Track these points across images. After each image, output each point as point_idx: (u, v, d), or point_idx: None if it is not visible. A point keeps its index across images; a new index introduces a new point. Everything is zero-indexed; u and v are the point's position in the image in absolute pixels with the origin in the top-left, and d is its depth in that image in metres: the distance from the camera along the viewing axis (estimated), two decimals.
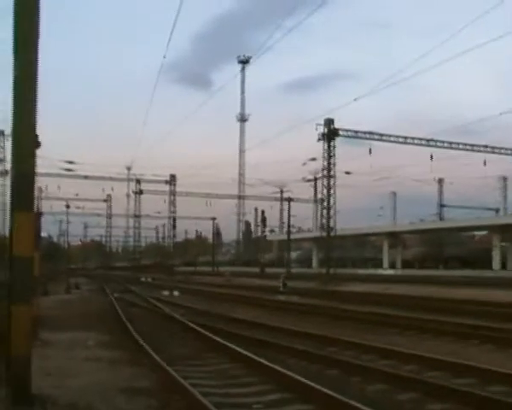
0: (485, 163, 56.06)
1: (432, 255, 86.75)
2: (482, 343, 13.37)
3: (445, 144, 54.67)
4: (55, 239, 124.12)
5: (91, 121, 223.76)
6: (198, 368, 10.55)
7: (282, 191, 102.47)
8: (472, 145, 55.77)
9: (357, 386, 8.94)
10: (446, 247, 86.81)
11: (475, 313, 19.42)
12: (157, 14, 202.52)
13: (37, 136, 7.34)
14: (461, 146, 55.47)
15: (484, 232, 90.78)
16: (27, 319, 6.41)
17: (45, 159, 57.06)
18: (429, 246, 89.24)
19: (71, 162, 78.94)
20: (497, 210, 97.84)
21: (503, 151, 57.02)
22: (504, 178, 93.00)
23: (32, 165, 6.82)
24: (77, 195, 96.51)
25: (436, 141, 54.08)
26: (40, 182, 74.96)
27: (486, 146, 55.90)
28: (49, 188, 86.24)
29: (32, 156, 6.83)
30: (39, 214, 30.76)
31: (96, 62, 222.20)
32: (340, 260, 73.01)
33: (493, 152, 56.44)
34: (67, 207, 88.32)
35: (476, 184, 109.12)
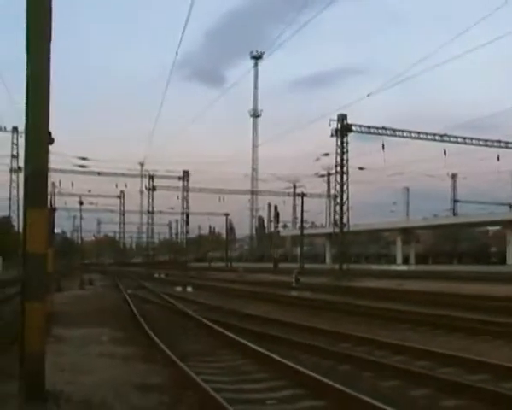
0: (498, 158, 55.78)
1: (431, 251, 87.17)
2: (494, 339, 13.32)
3: (459, 140, 54.41)
4: (68, 235, 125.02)
5: (104, 118, 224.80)
6: (211, 364, 10.58)
7: (294, 186, 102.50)
8: (485, 140, 55.51)
9: (369, 382, 8.93)
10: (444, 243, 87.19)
11: (487, 309, 19.33)
12: (170, 10, 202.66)
13: (50, 132, 7.38)
14: (474, 141, 55.18)
15: (498, 227, 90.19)
16: (41, 315, 6.45)
17: (59, 155, 57.50)
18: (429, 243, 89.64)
19: (84, 158, 79.32)
20: (510, 205, 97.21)
21: None
22: None
23: (45, 161, 6.85)
24: (90, 191, 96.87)
25: (449, 136, 53.85)
26: (54, 178, 75.36)
27: (500, 141, 55.63)
28: (63, 184, 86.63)
29: (45, 153, 6.86)
30: (53, 210, 30.88)
31: (108, 58, 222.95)
32: (354, 255, 72.96)
33: (507, 147, 56.11)
34: (81, 203, 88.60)
35: (490, 179, 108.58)
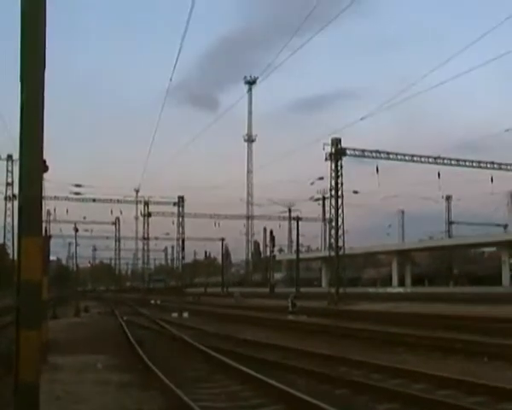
0: (492, 180, 56.00)
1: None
2: (492, 360, 13.29)
3: (453, 162, 54.62)
4: (63, 262, 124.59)
5: (99, 144, 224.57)
6: (208, 390, 10.52)
7: (290, 211, 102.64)
8: (479, 162, 55.71)
9: (366, 406, 8.89)
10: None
11: (484, 330, 19.29)
12: (164, 36, 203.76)
13: (44, 160, 7.38)
14: (468, 163, 55.40)
15: (493, 249, 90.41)
16: (36, 344, 6.41)
17: (53, 183, 57.51)
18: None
19: (79, 185, 79.42)
20: (505, 226, 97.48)
21: (509, 168, 56.91)
22: None
23: (40, 189, 6.85)
24: (85, 218, 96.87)
25: (443, 158, 54.05)
26: (49, 205, 75.45)
27: (493, 163, 55.82)
28: (58, 211, 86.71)
29: (40, 180, 6.86)
30: (48, 238, 30.81)
31: (103, 85, 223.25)
32: (350, 279, 72.87)
33: (500, 168, 56.35)
34: (76, 230, 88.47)
35: (483, 200, 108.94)
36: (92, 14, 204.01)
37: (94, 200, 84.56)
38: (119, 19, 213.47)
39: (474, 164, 55.58)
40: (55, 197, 77.57)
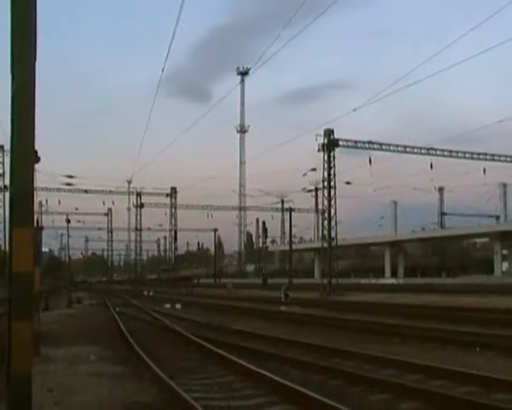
0: (484, 171, 56.20)
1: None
2: (484, 351, 13.34)
3: (445, 153, 54.68)
4: (56, 253, 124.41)
5: (91, 135, 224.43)
6: (200, 381, 10.51)
7: (282, 202, 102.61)
8: (471, 153, 55.83)
9: (359, 396, 8.91)
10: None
11: (476, 321, 19.38)
12: (156, 26, 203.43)
13: (36, 151, 7.34)
14: (460, 154, 55.49)
15: (485, 239, 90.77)
16: (28, 336, 6.38)
17: (45, 174, 57.30)
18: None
19: (71, 177, 79.09)
20: (497, 217, 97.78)
21: (502, 159, 57.09)
22: (504, 185, 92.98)
23: (31, 180, 6.82)
24: (77, 209, 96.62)
25: (436, 150, 54.09)
26: (40, 197, 75.22)
27: (486, 154, 56.01)
28: (50, 202, 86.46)
29: (31, 172, 6.84)
30: (40, 229, 30.75)
31: (95, 76, 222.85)
32: (343, 270, 72.99)
33: (493, 160, 56.52)
34: (68, 221, 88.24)
35: (476, 191, 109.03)
36: (85, 5, 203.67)
37: (86, 191, 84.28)
38: (112, 10, 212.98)
39: (467, 155, 55.70)
40: (46, 188, 77.23)
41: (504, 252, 78.63)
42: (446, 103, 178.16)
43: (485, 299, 32.00)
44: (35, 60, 6.64)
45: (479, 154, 55.84)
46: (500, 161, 57.15)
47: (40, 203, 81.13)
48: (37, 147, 7.12)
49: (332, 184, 51.00)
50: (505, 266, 79.10)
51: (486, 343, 13.93)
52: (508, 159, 57.25)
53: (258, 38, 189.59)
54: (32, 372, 6.13)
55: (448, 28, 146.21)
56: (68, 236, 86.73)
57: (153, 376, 10.56)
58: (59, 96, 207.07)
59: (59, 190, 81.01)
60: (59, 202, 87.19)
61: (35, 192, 7.05)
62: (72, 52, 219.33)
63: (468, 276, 68.32)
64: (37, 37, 6.63)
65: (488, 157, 56.06)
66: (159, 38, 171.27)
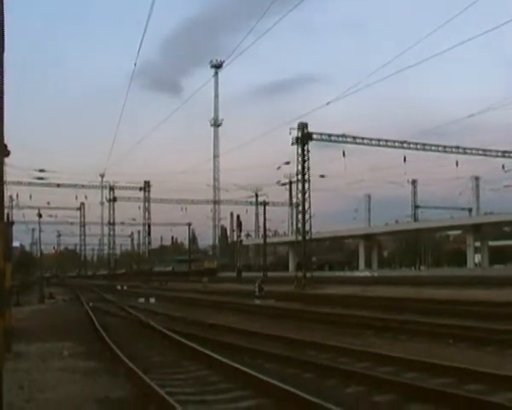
0: (457, 164, 56.74)
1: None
2: (457, 342, 13.44)
3: (418, 146, 55.06)
4: (27, 248, 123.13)
5: (63, 129, 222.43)
6: (175, 376, 10.45)
7: (257, 195, 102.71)
8: (444, 147, 56.31)
9: (334, 389, 8.92)
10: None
11: (449, 313, 19.54)
12: (127, 18, 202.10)
13: (5, 145, 7.21)
14: (433, 148, 55.94)
15: (458, 232, 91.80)
16: None
17: (16, 168, 56.65)
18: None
19: (42, 170, 78.32)
20: (470, 210, 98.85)
21: (474, 152, 57.65)
22: (476, 179, 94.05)
23: (1, 174, 6.70)
24: (49, 203, 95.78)
25: (409, 143, 54.44)
26: (11, 191, 74.37)
27: (458, 147, 56.52)
28: (21, 197, 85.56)
29: (1, 165, 6.72)
30: (10, 224, 30.36)
31: (66, 68, 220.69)
32: (317, 263, 73.34)
33: (465, 153, 57.06)
34: (39, 215, 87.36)
35: (449, 184, 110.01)
36: None
37: (58, 185, 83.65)
38: (82, 3, 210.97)
39: (440, 148, 56.18)
40: (17, 183, 76.44)
41: (477, 244, 79.55)
42: (419, 97, 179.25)
43: (457, 291, 32.31)
44: (3, 51, 6.52)
45: (451, 147, 56.35)
46: (472, 154, 57.73)
47: (10, 197, 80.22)
48: (6, 140, 7.00)
49: (306, 177, 51.09)
50: (477, 258, 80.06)
51: (459, 335, 14.05)
52: (480, 152, 57.86)
53: (231, 30, 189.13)
54: (2, 369, 6.03)
55: (422, 21, 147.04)
56: (40, 230, 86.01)
57: (127, 371, 10.47)
58: (30, 90, 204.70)
59: (30, 184, 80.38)
60: (30, 197, 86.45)
61: (5, 186, 6.92)
62: (43, 44, 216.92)
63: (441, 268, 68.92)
64: (6, 27, 6.51)
65: (461, 151, 56.59)
66: (130, 31, 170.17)
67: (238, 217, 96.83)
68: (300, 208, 52.47)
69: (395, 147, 54.68)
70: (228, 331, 16.92)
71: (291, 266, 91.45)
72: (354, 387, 8.91)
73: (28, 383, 9.70)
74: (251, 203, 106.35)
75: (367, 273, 77.42)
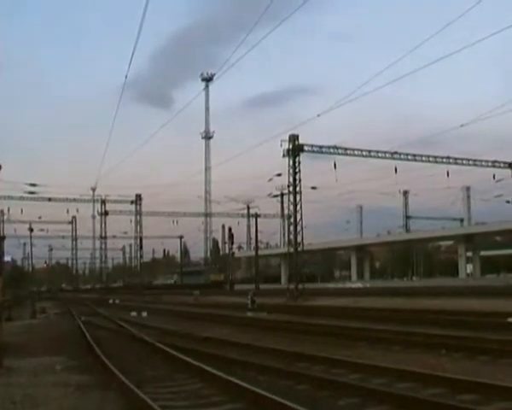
0: (448, 174, 56.92)
1: None
2: (450, 353, 13.46)
3: (409, 157, 55.25)
4: (19, 262, 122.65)
5: (54, 143, 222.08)
6: (168, 389, 10.42)
7: (248, 207, 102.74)
8: (435, 157, 56.50)
9: (327, 401, 8.91)
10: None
11: (442, 323, 19.58)
12: (118, 31, 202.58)
13: None
14: (424, 158, 56.14)
15: (450, 242, 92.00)
16: None
17: (7, 182, 56.52)
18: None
19: (34, 185, 78.11)
20: (461, 220, 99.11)
21: (465, 162, 57.87)
22: (467, 189, 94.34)
23: None
24: (40, 217, 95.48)
25: (400, 154, 54.60)
26: (2, 205, 74.20)
27: (449, 157, 56.69)
28: (12, 211, 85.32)
29: None
30: (1, 238, 30.26)
31: (57, 82, 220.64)
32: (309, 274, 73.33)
33: (456, 163, 57.25)
34: (31, 230, 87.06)
35: (440, 195, 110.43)
36: (46, 11, 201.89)
37: (49, 199, 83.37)
38: (74, 15, 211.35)
39: (431, 159, 56.38)
40: (8, 197, 76.22)
41: (469, 254, 79.72)
42: (410, 108, 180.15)
43: (450, 301, 32.37)
44: None
45: (442, 157, 56.52)
46: (463, 164, 57.94)
47: (2, 212, 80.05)
48: None
49: (297, 189, 51.16)
50: (469, 268, 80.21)
51: (452, 345, 14.07)
52: (470, 162, 58.08)
53: (221, 42, 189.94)
54: None
55: (412, 33, 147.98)
56: (31, 245, 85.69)
57: (120, 385, 10.43)
58: (21, 104, 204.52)
59: (21, 198, 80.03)
60: (21, 211, 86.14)
61: None
62: (36, 58, 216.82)
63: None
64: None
65: (451, 161, 56.76)
66: (121, 44, 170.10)
67: (230, 229, 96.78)
68: (292, 220, 52.49)
69: (386, 158, 54.83)
70: (220, 344, 16.88)
71: (283, 278, 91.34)
72: (347, 399, 8.91)
73: (21, 398, 9.64)
74: (242, 215, 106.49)
75: (359, 284, 77.42)
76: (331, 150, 53.01)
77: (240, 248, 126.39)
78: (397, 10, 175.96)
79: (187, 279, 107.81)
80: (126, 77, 32.65)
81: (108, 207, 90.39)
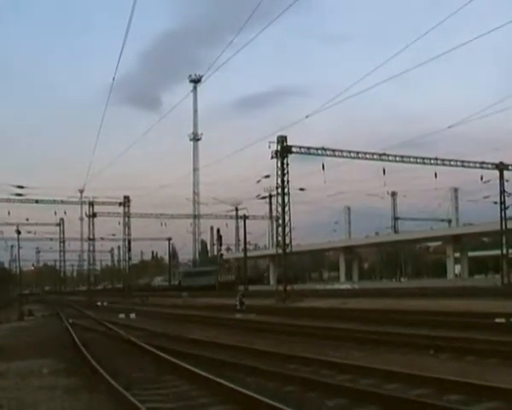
0: (436, 175, 57.12)
1: None
2: (437, 353, 13.51)
3: (397, 158, 55.35)
4: (6, 265, 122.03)
5: (41, 144, 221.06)
6: (156, 391, 10.39)
7: (237, 209, 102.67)
8: (423, 158, 56.66)
9: (315, 402, 8.92)
10: None
11: (430, 324, 19.64)
12: (105, 32, 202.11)
13: None
14: (412, 159, 56.30)
15: (438, 243, 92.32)
16: None
17: None
18: None
19: (21, 187, 77.71)
20: (449, 221, 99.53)
21: (452, 163, 58.08)
22: (455, 190, 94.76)
23: None
24: (27, 219, 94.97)
25: (388, 155, 54.69)
26: None
27: (437, 159, 56.87)
28: None
29: None
30: None
31: (44, 83, 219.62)
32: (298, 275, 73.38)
33: (443, 164, 57.45)
34: (18, 232, 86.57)
35: (428, 196, 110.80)
36: (32, 10, 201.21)
37: (37, 201, 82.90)
38: (60, 16, 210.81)
39: (419, 160, 56.54)
40: None
41: (456, 255, 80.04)
42: (398, 109, 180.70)
43: (438, 302, 32.49)
44: None
45: (430, 159, 56.68)
46: (451, 165, 58.13)
47: None
48: None
49: (286, 190, 51.17)
50: (457, 268, 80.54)
51: (439, 346, 14.12)
52: (458, 163, 58.30)
53: (209, 44, 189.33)
54: None
55: (401, 33, 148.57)
56: (19, 247, 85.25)
57: (108, 387, 10.39)
58: (8, 106, 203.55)
59: (8, 200, 79.54)
60: (8, 213, 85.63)
61: None
62: (22, 58, 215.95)
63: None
64: None
65: (439, 162, 56.95)
66: (109, 45, 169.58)
67: (218, 231, 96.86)
68: (280, 222, 52.52)
69: (374, 159, 54.95)
70: (209, 346, 16.86)
71: (272, 279, 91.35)
72: (335, 399, 8.92)
73: (7, 402, 9.60)
74: (231, 217, 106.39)
75: (348, 286, 77.59)
76: (319, 152, 53.06)
77: (228, 249, 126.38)
78: (385, 11, 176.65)
79: (192, 280, 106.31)
80: (114, 79, 32.60)
81: (96, 208, 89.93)
